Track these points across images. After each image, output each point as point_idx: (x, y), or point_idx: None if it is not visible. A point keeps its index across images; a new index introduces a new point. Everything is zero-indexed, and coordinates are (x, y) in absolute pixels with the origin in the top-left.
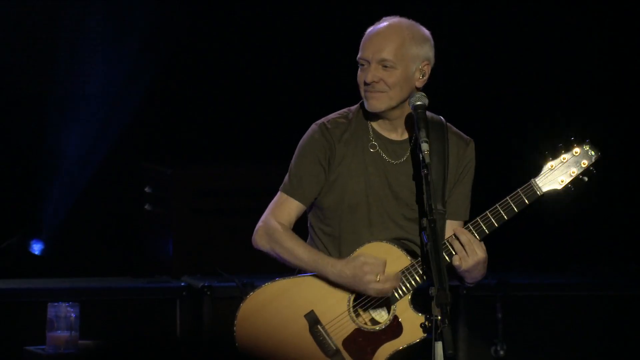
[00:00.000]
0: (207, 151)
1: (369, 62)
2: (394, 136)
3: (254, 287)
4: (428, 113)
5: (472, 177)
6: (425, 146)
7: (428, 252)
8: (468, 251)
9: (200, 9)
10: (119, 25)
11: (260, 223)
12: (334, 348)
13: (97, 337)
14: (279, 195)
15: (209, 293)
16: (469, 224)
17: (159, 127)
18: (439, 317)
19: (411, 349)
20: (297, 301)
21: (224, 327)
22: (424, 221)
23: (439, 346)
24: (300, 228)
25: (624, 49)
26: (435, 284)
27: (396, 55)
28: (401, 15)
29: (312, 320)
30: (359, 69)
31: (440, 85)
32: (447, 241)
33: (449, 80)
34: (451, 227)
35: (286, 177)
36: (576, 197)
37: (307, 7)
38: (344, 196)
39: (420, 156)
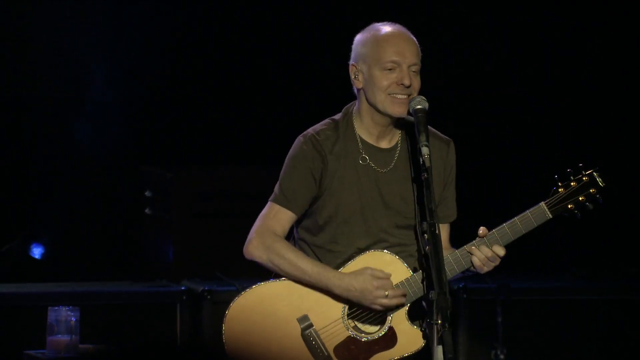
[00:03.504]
0: (207, 154)
1: (399, 66)
2: (384, 144)
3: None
4: (408, 117)
5: (455, 176)
6: (425, 150)
7: (428, 255)
8: (491, 258)
9: (201, 10)
10: (119, 26)
11: (253, 234)
12: (325, 354)
13: (97, 341)
14: (271, 207)
15: (209, 297)
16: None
17: (159, 131)
18: (439, 322)
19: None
20: (291, 303)
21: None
22: (424, 225)
23: (439, 350)
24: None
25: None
26: (435, 287)
27: (419, 60)
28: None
29: (305, 324)
30: (380, 73)
31: (450, 99)
32: (467, 250)
33: (458, 93)
34: (445, 229)
35: (277, 189)
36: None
37: (307, 9)
38: (338, 209)
39: (421, 160)
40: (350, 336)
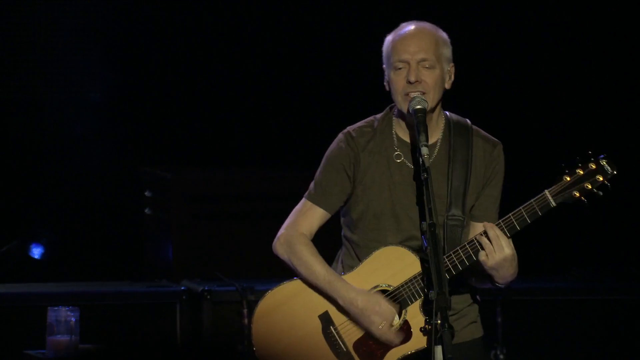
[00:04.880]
0: (207, 155)
1: (407, 64)
2: None
3: (254, 292)
4: (454, 116)
5: (501, 180)
6: (424, 150)
7: (428, 256)
8: (495, 246)
9: (200, 10)
10: (119, 27)
11: (282, 230)
12: (345, 350)
13: (97, 341)
14: (303, 203)
15: (208, 297)
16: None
17: (159, 131)
18: (439, 321)
19: (420, 354)
20: (313, 301)
21: (224, 331)
22: (424, 225)
23: (438, 350)
24: (321, 235)
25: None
26: (434, 287)
27: (435, 55)
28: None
29: (326, 321)
30: (393, 73)
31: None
32: (475, 238)
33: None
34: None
35: (311, 185)
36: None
37: (308, 9)
38: (369, 205)
39: (420, 160)
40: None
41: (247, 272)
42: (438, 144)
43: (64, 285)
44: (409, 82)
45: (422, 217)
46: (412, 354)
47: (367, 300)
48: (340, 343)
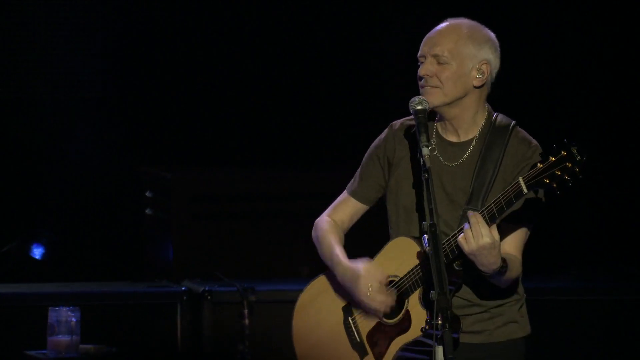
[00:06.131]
0: (207, 155)
1: (425, 58)
2: (454, 138)
3: (254, 292)
4: (500, 116)
5: None
6: (425, 150)
7: (429, 256)
8: (473, 232)
9: (200, 11)
10: (118, 26)
11: (319, 216)
12: (359, 341)
13: (97, 341)
14: (343, 193)
15: (209, 297)
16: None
17: (159, 131)
18: (440, 321)
19: (420, 343)
20: (339, 293)
21: (225, 332)
22: (424, 225)
23: (439, 350)
24: (358, 228)
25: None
26: (435, 288)
27: (450, 51)
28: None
29: (346, 312)
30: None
31: None
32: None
33: None
34: (513, 235)
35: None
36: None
37: (308, 9)
38: (400, 198)
39: (421, 161)
40: (378, 321)
41: (247, 272)
42: (474, 141)
43: (65, 285)
44: (420, 76)
45: (446, 213)
46: (410, 343)
47: (351, 272)
48: (356, 334)
